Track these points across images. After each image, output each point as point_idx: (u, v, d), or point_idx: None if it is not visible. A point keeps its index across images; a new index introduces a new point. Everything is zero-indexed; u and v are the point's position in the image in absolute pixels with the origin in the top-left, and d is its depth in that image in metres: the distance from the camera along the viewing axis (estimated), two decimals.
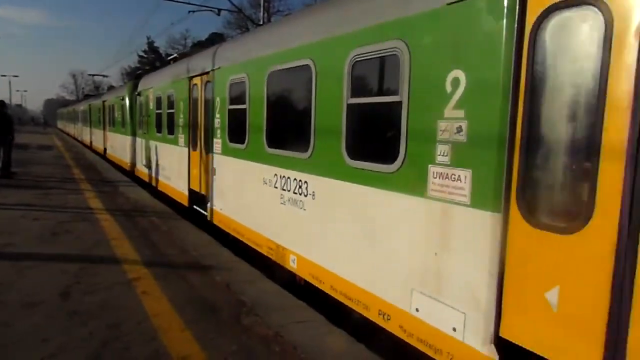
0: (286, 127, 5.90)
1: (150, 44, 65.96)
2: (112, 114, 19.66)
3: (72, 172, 16.63)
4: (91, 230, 7.96)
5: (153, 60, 60.74)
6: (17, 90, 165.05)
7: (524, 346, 2.98)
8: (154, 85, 12.61)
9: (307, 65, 5.12)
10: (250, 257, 6.74)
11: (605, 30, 2.54)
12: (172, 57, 14.05)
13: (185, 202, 9.76)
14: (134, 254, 6.63)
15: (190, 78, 9.28)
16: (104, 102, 22.70)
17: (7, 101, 14.28)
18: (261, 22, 15.50)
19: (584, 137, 2.67)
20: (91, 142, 28.91)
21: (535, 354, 2.91)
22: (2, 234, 7.42)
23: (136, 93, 14.85)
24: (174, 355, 3.79)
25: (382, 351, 4.13)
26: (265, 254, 6.26)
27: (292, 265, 5.61)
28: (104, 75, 53.15)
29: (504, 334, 3.10)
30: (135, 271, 5.85)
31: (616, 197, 2.49)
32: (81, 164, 19.49)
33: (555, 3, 2.76)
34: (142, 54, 66.13)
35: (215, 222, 8.11)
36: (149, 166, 13.31)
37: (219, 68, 7.80)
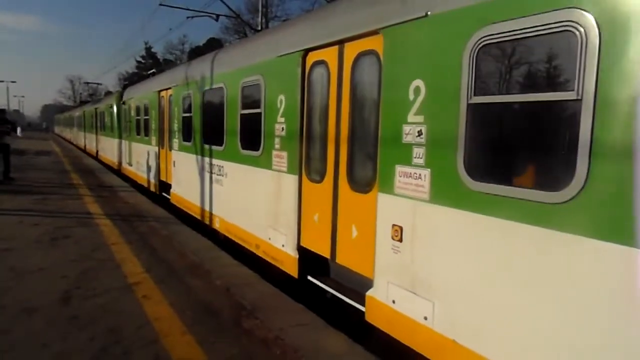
0: (213, 129, 8.14)
1: (148, 49, 65.83)
2: (103, 119, 22.04)
3: (71, 177, 16.65)
4: (90, 235, 7.98)
5: (151, 65, 60.57)
6: (15, 96, 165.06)
7: (308, 248, 5.35)
8: (135, 96, 14.98)
9: (221, 87, 7.56)
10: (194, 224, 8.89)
11: (329, 77, 4.91)
12: (151, 71, 16.94)
13: (156, 191, 12.28)
14: (134, 258, 6.66)
15: (159, 92, 11.74)
16: (96, 109, 25.00)
17: (5, 107, 14.41)
18: (259, 28, 15.59)
19: (324, 133, 4.99)
20: (85, 145, 31.61)
21: (312, 251, 5.27)
22: (1, 240, 7.41)
23: (122, 102, 17.16)
24: (175, 359, 3.80)
25: (381, 353, 4.14)
26: (202, 220, 8.69)
27: (217, 225, 8.02)
28: (97, 83, 54.85)
29: (302, 243, 5.46)
30: (135, 275, 5.87)
31: (333, 166, 4.85)
32: (79, 169, 19.52)
33: (314, 62, 5.16)
34: (139, 59, 66.08)
35: (174, 202, 10.61)
36: (131, 163, 15.69)
37: (176, 85, 10.22)
